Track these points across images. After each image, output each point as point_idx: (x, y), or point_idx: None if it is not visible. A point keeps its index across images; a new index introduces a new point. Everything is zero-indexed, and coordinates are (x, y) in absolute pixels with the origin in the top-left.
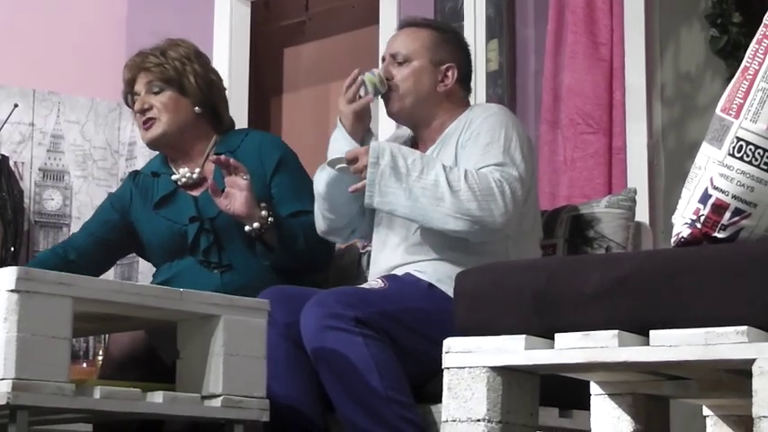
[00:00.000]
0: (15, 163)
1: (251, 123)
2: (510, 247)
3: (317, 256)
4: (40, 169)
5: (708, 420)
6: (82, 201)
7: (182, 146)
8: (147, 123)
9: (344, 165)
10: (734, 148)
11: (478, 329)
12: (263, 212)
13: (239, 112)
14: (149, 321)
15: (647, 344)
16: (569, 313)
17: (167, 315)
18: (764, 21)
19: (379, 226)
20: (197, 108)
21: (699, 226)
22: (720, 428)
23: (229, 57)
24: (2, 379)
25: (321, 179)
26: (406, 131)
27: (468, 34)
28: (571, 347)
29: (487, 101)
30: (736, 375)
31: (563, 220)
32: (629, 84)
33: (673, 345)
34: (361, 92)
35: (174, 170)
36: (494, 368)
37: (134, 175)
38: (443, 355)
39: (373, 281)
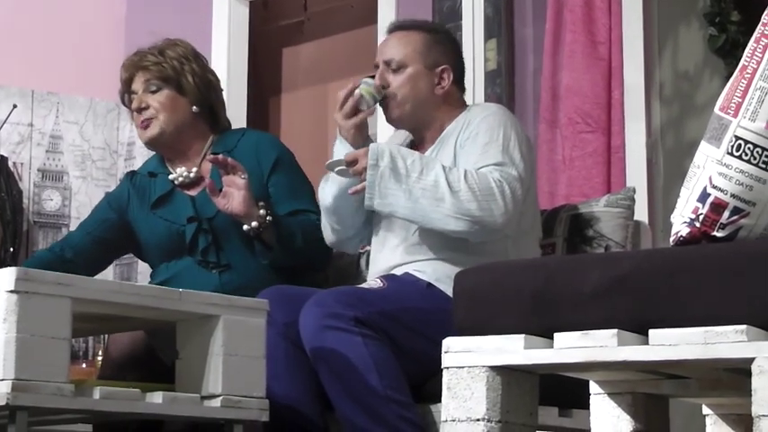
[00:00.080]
0: (14, 163)
1: (250, 123)
2: (509, 247)
3: (316, 255)
4: (39, 170)
5: (707, 419)
6: (81, 201)
7: (179, 145)
8: (144, 123)
9: (343, 167)
10: (732, 146)
11: (478, 329)
12: (262, 211)
13: (238, 112)
14: (148, 322)
15: (647, 343)
16: (568, 312)
17: (166, 315)
18: (763, 19)
19: (377, 226)
20: (194, 107)
21: (698, 225)
22: (720, 427)
23: (228, 57)
24: (1, 380)
25: (328, 193)
26: (405, 133)
27: (466, 34)
28: (570, 347)
29: (486, 100)
30: (736, 374)
31: (562, 220)
32: (628, 83)
33: (672, 344)
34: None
35: (171, 170)
36: (493, 368)
37: (131, 175)
38: (443, 355)
39: (372, 280)
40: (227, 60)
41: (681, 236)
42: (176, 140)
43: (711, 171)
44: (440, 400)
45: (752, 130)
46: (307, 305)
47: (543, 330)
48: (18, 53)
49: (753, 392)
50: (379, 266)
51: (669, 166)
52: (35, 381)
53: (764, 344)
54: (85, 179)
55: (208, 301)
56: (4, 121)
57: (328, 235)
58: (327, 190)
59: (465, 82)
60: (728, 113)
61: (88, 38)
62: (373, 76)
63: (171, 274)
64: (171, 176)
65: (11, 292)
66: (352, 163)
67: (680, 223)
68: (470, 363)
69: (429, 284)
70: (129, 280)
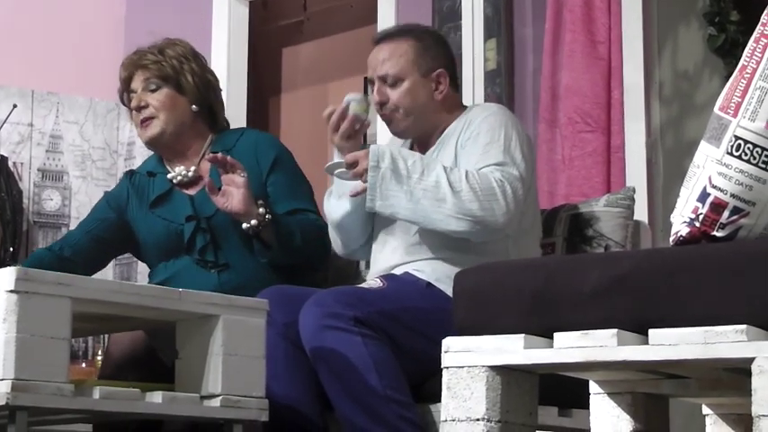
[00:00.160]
0: (14, 163)
1: (249, 123)
2: (510, 247)
3: (314, 254)
4: (38, 169)
5: (707, 419)
6: (81, 201)
7: (178, 145)
8: (145, 122)
9: (343, 169)
10: (732, 146)
11: (477, 329)
12: (261, 210)
13: (238, 112)
14: (148, 321)
15: (646, 343)
16: (568, 312)
17: (166, 315)
18: (762, 19)
19: (378, 226)
20: (194, 107)
21: (697, 225)
22: (720, 427)
23: (228, 56)
24: (1, 379)
25: (336, 211)
26: None
27: (466, 33)
28: (570, 346)
29: (486, 100)
30: (736, 374)
31: (562, 219)
32: (628, 82)
33: (672, 343)
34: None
35: (170, 169)
36: (493, 367)
37: (130, 174)
38: (442, 355)
39: (372, 280)
40: (227, 60)
41: (680, 235)
42: (176, 140)
43: (711, 171)
44: (439, 400)
45: (751, 129)
46: (306, 305)
47: (543, 330)
48: (18, 53)
49: (753, 392)
50: (379, 266)
51: (669, 166)
52: (35, 381)
53: (764, 344)
54: (85, 179)
55: (207, 301)
56: (4, 121)
57: (338, 247)
58: (336, 207)
59: (462, 81)
60: (728, 113)
61: (88, 38)
62: (365, 92)
63: (169, 274)
64: (170, 176)
65: (11, 291)
66: (352, 165)
67: (680, 223)
68: (470, 362)
69: (429, 284)
70: (129, 279)
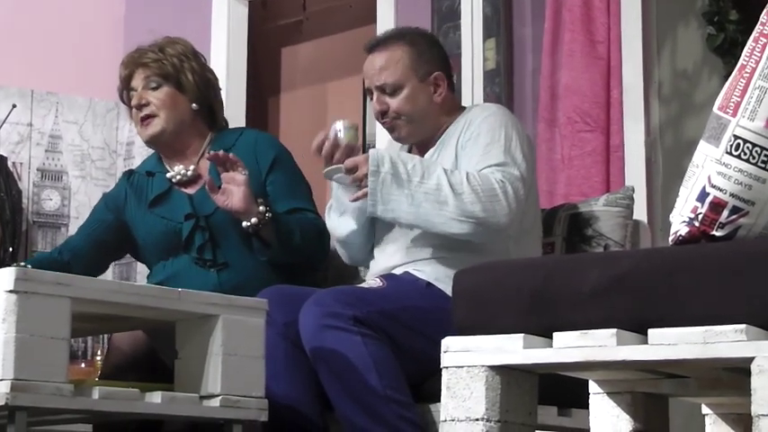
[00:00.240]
0: (14, 163)
1: (249, 122)
2: (510, 246)
3: (314, 253)
4: (38, 169)
5: (707, 419)
6: (80, 201)
7: (178, 144)
8: (145, 120)
9: (342, 174)
10: (731, 146)
11: (477, 328)
12: (261, 208)
13: (237, 112)
14: (147, 321)
15: (646, 342)
16: (567, 312)
17: (165, 315)
18: (761, 18)
19: (379, 227)
20: (194, 105)
21: (697, 224)
22: (719, 427)
23: (227, 56)
24: (0, 380)
25: (340, 228)
26: None
27: (465, 33)
28: (569, 346)
29: (485, 100)
30: (735, 374)
31: (561, 219)
32: (627, 82)
33: (671, 343)
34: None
35: (169, 168)
36: (492, 367)
37: (129, 174)
38: (442, 355)
39: (372, 280)
40: (227, 60)
41: (680, 235)
42: (176, 138)
43: (710, 170)
44: (439, 400)
45: (751, 129)
46: (306, 305)
47: (542, 330)
48: (18, 53)
49: (752, 392)
50: (379, 266)
51: (668, 166)
52: (34, 381)
53: (764, 343)
54: (85, 179)
55: (207, 301)
56: (4, 121)
57: (344, 258)
58: (339, 225)
59: (461, 81)
60: (727, 113)
61: (87, 38)
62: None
63: (168, 274)
64: (169, 175)
65: (10, 292)
66: (352, 170)
67: (679, 222)
68: (470, 362)
69: (428, 284)
70: (129, 280)
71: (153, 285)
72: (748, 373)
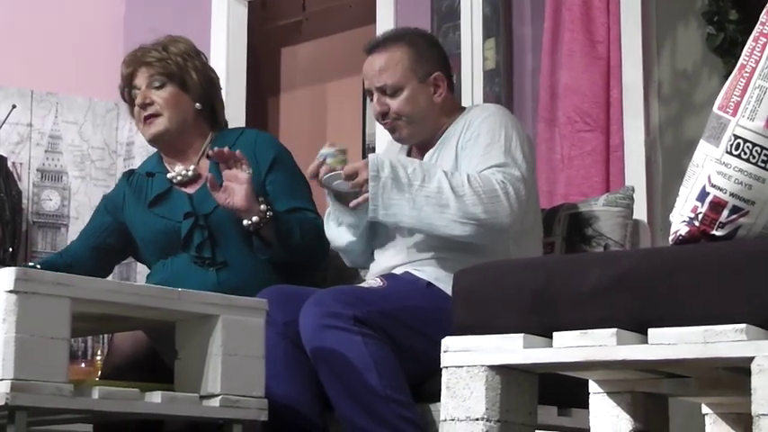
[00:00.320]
0: (14, 164)
1: (248, 123)
2: (511, 247)
3: (313, 253)
4: (38, 170)
5: (707, 418)
6: (80, 201)
7: (180, 143)
8: (149, 119)
9: (341, 180)
10: (731, 145)
11: (477, 328)
12: (262, 206)
13: (237, 112)
14: (147, 321)
15: (646, 342)
16: (567, 312)
17: (165, 315)
18: (761, 18)
19: (379, 228)
20: (197, 104)
21: (697, 224)
22: (719, 427)
23: (227, 56)
24: (1, 379)
25: (339, 239)
26: None
27: (464, 33)
28: (569, 346)
29: (484, 99)
30: (735, 373)
31: (561, 219)
32: (626, 81)
33: (671, 343)
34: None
35: (170, 168)
36: (492, 367)
37: (128, 174)
38: (442, 354)
39: (372, 279)
40: (226, 60)
41: (680, 235)
42: (179, 138)
43: (710, 170)
44: (439, 400)
45: (751, 128)
46: (306, 304)
47: (542, 329)
48: (17, 53)
49: (752, 391)
50: (380, 266)
51: (668, 165)
52: (34, 381)
53: (764, 343)
54: (84, 179)
55: (207, 301)
56: (4, 121)
57: (347, 263)
58: (338, 235)
59: (461, 80)
60: (727, 112)
61: (87, 38)
62: (338, 148)
63: (168, 273)
64: (169, 175)
65: (10, 292)
66: (351, 176)
67: (679, 222)
68: (469, 362)
69: (429, 283)
70: (129, 279)
71: (153, 285)
72: (748, 372)
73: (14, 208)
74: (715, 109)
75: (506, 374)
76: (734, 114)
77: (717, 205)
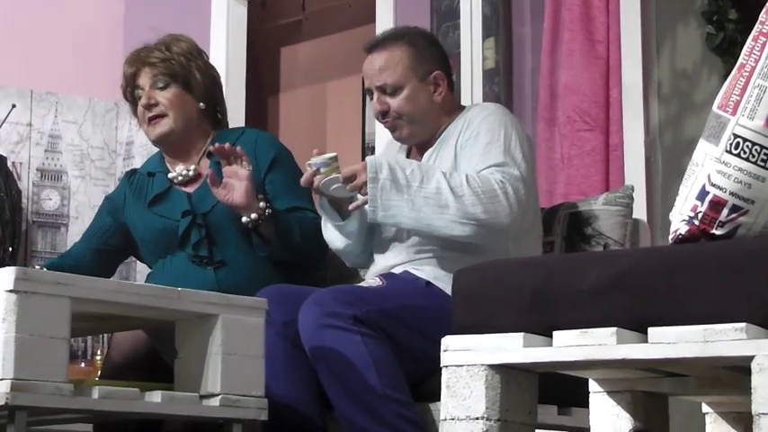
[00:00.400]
0: (13, 163)
1: (248, 122)
2: (510, 246)
3: (312, 252)
4: (37, 169)
5: (707, 417)
6: (80, 201)
7: (184, 143)
8: (153, 119)
9: (339, 185)
10: (731, 144)
11: (477, 327)
12: (262, 204)
13: (236, 111)
14: (147, 321)
15: (646, 341)
16: (567, 311)
17: (165, 314)
18: (761, 17)
19: (378, 227)
20: (201, 104)
21: (696, 223)
22: (719, 425)
23: (226, 56)
24: (0, 379)
25: (337, 241)
26: None
27: (464, 32)
28: (569, 345)
29: (484, 99)
30: (735, 372)
31: (561, 218)
32: (626, 81)
33: (671, 342)
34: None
35: (171, 168)
36: (492, 366)
37: (130, 174)
38: (442, 354)
39: (371, 279)
40: (226, 59)
41: (680, 234)
42: (183, 138)
43: (710, 169)
44: (439, 399)
45: (750, 128)
46: (305, 304)
47: (542, 329)
48: (17, 53)
49: (752, 390)
50: (379, 266)
51: (667, 165)
52: (34, 380)
53: (764, 342)
54: (84, 179)
55: (206, 300)
56: (3, 121)
57: (346, 263)
58: (335, 238)
59: (460, 80)
60: (727, 111)
61: (87, 38)
62: (329, 156)
63: (166, 274)
64: (170, 175)
65: (10, 291)
66: (350, 178)
67: (679, 221)
68: (469, 361)
69: (428, 283)
70: (129, 279)
71: (153, 285)
72: (748, 371)
73: (14, 207)
74: (714, 108)
75: (506, 373)
76: (733, 113)
77: (716, 204)
